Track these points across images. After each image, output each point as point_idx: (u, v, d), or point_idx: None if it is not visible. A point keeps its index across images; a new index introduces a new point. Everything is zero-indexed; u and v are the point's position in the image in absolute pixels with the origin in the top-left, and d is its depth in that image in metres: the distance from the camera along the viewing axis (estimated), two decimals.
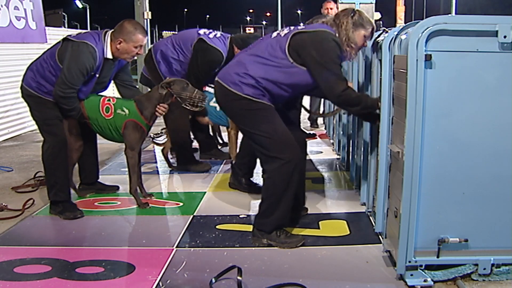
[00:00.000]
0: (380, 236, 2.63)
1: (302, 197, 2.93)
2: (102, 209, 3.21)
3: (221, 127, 5.04)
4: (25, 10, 5.81)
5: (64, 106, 2.98)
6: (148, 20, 6.97)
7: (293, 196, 2.58)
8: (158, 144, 4.72)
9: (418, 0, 31.25)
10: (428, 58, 1.95)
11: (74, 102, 3.00)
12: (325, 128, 5.86)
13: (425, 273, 2.15)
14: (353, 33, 2.52)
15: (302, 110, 3.66)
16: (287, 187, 2.51)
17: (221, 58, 3.83)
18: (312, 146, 4.97)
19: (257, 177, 3.68)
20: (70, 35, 3.01)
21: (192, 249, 2.57)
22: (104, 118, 3.12)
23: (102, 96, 3.20)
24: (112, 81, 3.30)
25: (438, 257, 2.13)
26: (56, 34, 6.64)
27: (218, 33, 3.97)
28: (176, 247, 2.59)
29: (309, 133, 5.46)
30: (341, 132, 4.18)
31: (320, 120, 6.46)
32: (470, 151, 2.06)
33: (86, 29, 19.67)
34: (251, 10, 63.93)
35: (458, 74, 2.00)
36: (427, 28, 1.94)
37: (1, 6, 5.36)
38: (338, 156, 4.55)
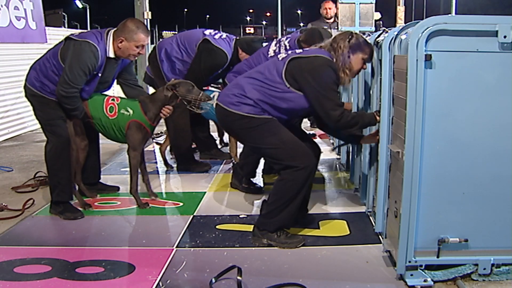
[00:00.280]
0: (380, 236, 2.64)
1: (307, 199, 2.93)
2: (102, 209, 3.21)
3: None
4: (25, 10, 5.80)
5: (67, 106, 2.97)
6: (148, 20, 6.97)
7: (302, 200, 2.60)
8: (158, 144, 4.72)
9: (418, 0, 31.24)
10: (428, 58, 1.95)
11: (77, 101, 2.99)
12: None
13: (425, 273, 2.15)
14: (351, 57, 2.53)
15: None
16: (298, 192, 2.51)
17: (225, 60, 3.83)
18: None
19: (257, 177, 3.68)
20: (72, 34, 3.00)
21: (192, 249, 2.57)
22: (108, 118, 3.11)
23: (106, 95, 3.19)
24: (116, 81, 3.30)
25: (438, 257, 2.13)
26: (56, 34, 6.64)
27: (224, 35, 3.97)
28: (176, 247, 2.59)
29: (309, 133, 5.45)
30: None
31: (316, 124, 6.44)
32: (470, 151, 2.06)
33: (86, 29, 19.64)
34: (251, 10, 63.89)
35: (458, 74, 2.00)
36: (427, 28, 1.94)
37: (1, 6, 5.36)
38: (338, 156, 4.55)
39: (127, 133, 3.13)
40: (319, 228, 2.82)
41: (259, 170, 3.74)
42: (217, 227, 2.88)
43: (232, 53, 3.86)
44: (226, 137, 5.02)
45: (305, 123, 6.20)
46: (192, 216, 3.06)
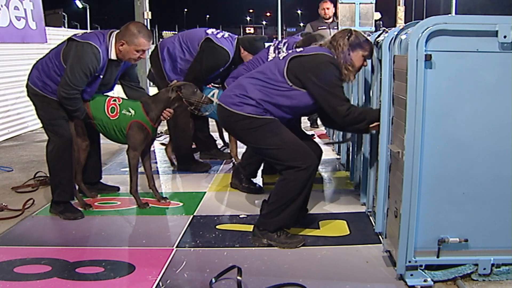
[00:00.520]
0: (380, 236, 2.64)
1: (308, 199, 2.93)
2: (102, 209, 3.21)
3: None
4: (25, 10, 5.80)
5: (68, 107, 2.97)
6: (148, 20, 6.96)
7: (303, 200, 2.59)
8: (163, 144, 4.73)
9: (418, 0, 31.24)
10: (428, 58, 1.95)
11: (78, 103, 2.99)
12: (325, 128, 5.85)
13: (425, 273, 2.15)
14: (351, 54, 2.53)
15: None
16: (299, 193, 2.51)
17: (227, 59, 3.83)
18: None
19: (258, 177, 3.68)
20: (75, 35, 2.99)
21: (192, 249, 2.57)
22: (109, 119, 3.11)
23: (107, 96, 3.19)
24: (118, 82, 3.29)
25: (438, 257, 2.13)
26: (56, 34, 6.64)
27: (226, 34, 3.98)
28: (176, 247, 2.59)
29: (309, 134, 5.44)
30: (341, 132, 4.18)
31: (320, 120, 6.44)
32: (470, 151, 2.06)
33: (86, 29, 19.68)
34: (251, 10, 63.90)
35: (458, 74, 2.00)
36: (427, 28, 1.94)
37: (1, 6, 5.36)
38: (338, 156, 4.55)
39: (128, 133, 3.13)
40: (319, 228, 2.82)
41: (259, 170, 3.74)
42: (217, 227, 2.88)
43: (234, 52, 3.86)
44: (226, 137, 5.02)
45: (305, 123, 6.20)
46: (192, 216, 3.06)
